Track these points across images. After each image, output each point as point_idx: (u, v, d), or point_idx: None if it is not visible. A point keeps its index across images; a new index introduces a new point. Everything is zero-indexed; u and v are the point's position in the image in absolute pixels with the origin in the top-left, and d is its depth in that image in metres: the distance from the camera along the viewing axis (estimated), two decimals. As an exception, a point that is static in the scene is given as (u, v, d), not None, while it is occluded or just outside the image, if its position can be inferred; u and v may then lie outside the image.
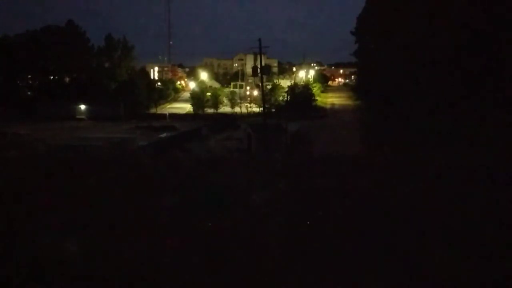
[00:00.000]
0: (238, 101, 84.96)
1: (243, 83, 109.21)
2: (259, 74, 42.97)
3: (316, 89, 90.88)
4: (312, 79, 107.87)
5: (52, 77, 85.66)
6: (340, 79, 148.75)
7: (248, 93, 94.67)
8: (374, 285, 3.29)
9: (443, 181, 5.79)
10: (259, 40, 39.50)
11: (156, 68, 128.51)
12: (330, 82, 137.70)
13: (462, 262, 3.53)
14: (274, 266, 3.54)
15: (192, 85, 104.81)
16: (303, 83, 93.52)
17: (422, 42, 19.81)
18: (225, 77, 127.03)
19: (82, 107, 74.85)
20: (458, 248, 3.75)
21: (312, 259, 3.63)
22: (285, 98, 71.09)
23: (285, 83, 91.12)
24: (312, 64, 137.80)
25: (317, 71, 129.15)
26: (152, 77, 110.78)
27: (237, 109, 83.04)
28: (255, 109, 76.78)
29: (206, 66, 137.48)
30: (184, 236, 4.06)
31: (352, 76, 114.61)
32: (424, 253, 3.67)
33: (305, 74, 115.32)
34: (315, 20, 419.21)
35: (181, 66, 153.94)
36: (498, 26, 16.56)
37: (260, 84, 47.47)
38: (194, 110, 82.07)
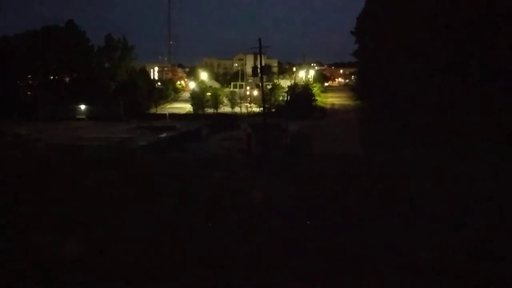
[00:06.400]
0: (238, 101, 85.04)
1: (243, 83, 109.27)
2: (259, 74, 42.95)
3: (316, 89, 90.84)
4: (312, 79, 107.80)
5: (52, 77, 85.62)
6: (340, 79, 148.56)
7: (248, 93, 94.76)
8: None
9: (442, 181, 5.80)
10: (259, 40, 39.50)
11: (156, 68, 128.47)
12: (330, 82, 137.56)
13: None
14: (270, 265, 3.55)
15: (192, 85, 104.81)
16: (303, 83, 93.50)
17: (422, 42, 19.82)
18: (225, 77, 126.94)
19: (82, 107, 74.81)
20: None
21: (310, 253, 3.64)
22: (285, 98, 71.10)
23: (285, 83, 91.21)
24: (312, 64, 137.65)
25: (317, 71, 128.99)
26: (152, 77, 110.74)
27: (237, 109, 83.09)
28: (255, 109, 76.88)
29: (206, 66, 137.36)
30: (183, 236, 4.06)
31: (352, 76, 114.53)
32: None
33: (305, 74, 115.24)
34: (316, 20, 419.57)
35: (181, 66, 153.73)
36: (496, 25, 16.57)
37: (260, 84, 47.46)
38: (194, 110, 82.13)
